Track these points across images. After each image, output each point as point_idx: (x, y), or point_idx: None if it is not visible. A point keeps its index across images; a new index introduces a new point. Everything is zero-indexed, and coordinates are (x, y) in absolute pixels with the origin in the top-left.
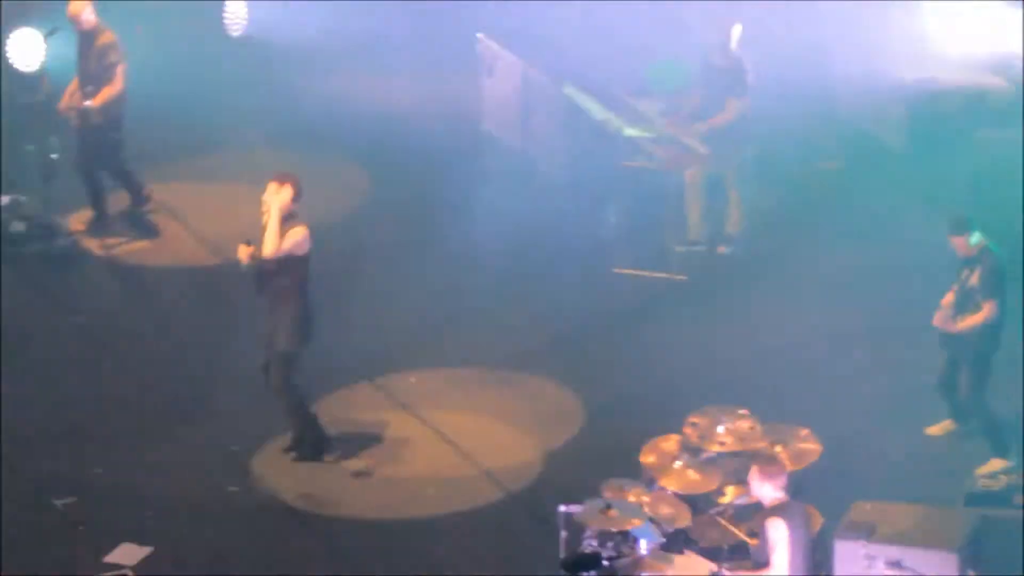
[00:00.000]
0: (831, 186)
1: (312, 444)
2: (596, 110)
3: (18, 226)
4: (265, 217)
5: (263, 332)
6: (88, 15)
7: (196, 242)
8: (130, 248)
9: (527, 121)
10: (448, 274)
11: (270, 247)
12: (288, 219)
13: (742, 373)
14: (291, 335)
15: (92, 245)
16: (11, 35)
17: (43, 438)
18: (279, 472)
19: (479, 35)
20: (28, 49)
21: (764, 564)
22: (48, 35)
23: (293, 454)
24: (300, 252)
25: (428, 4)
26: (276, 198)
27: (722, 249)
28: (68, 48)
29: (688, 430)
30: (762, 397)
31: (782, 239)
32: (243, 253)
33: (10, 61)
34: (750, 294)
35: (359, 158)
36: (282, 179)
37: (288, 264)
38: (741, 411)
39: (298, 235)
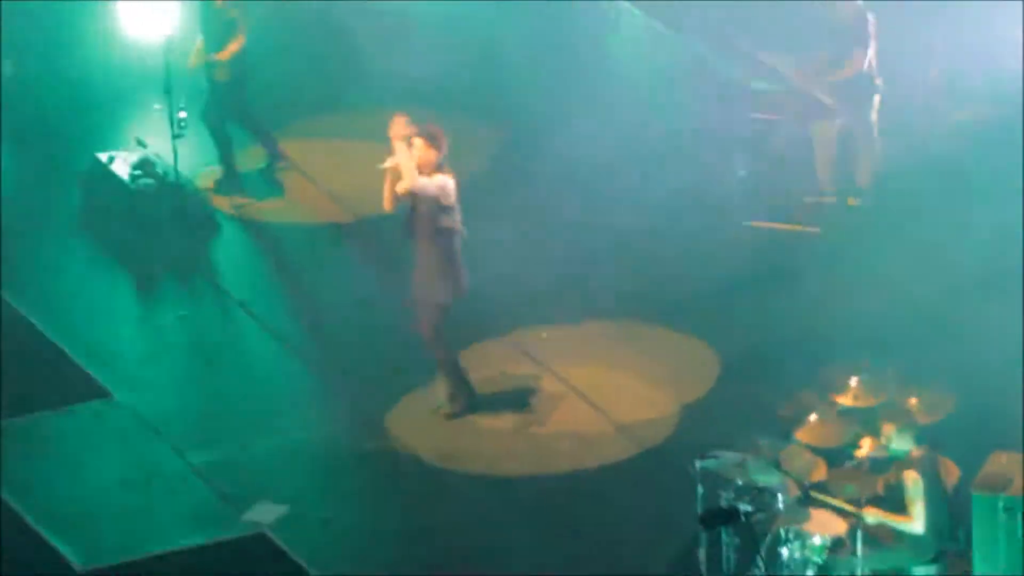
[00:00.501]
0: (968, 137)
1: (464, 398)
2: (722, 65)
3: (148, 184)
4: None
5: (413, 282)
6: None
7: (328, 199)
8: (261, 206)
9: (653, 77)
10: (578, 229)
11: (408, 183)
12: (436, 169)
13: (877, 325)
14: (445, 285)
15: (222, 203)
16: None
17: (178, 401)
18: (413, 429)
19: None
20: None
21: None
22: None
23: (446, 410)
24: (448, 201)
25: None
26: (423, 153)
27: (852, 200)
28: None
29: (823, 383)
30: (898, 350)
31: (914, 190)
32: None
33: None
34: (883, 245)
35: (488, 118)
36: (431, 140)
37: (438, 211)
38: (876, 363)
39: (444, 182)
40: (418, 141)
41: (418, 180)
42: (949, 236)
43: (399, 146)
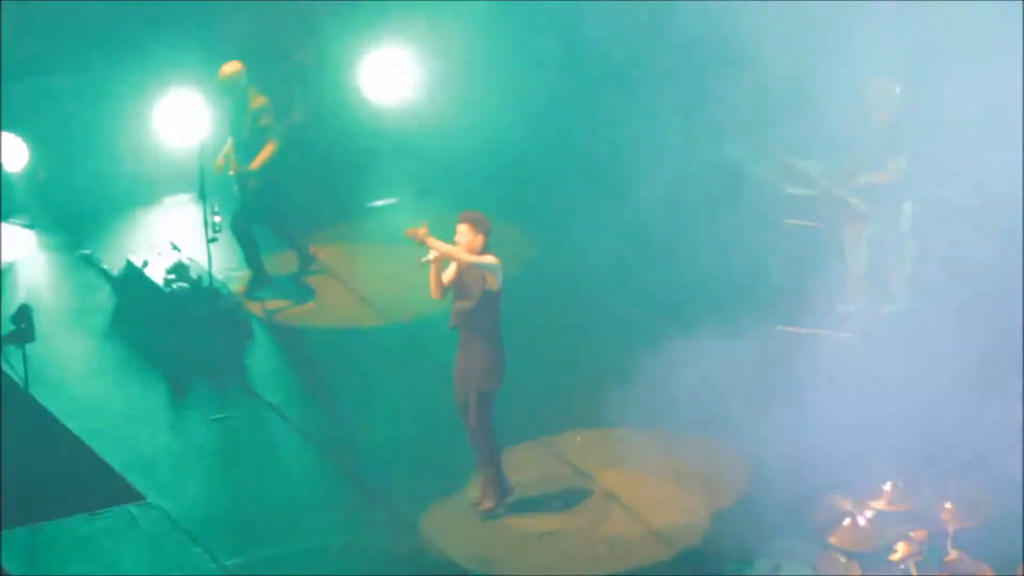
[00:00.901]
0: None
1: (498, 494)
2: (758, 169)
3: (182, 288)
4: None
5: (458, 372)
6: (237, 79)
7: (359, 303)
8: (293, 310)
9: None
10: (611, 334)
11: (464, 259)
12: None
13: (911, 430)
14: (490, 373)
15: (254, 307)
16: None
17: (215, 503)
18: (449, 533)
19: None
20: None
21: None
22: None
23: (481, 508)
24: (495, 286)
25: None
26: (470, 238)
27: (884, 309)
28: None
29: (857, 488)
30: (932, 456)
31: (945, 298)
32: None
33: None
34: (913, 353)
35: (512, 214)
36: (477, 223)
37: (485, 299)
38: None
39: (494, 261)
40: (462, 227)
41: (473, 256)
42: (983, 340)
43: (434, 241)
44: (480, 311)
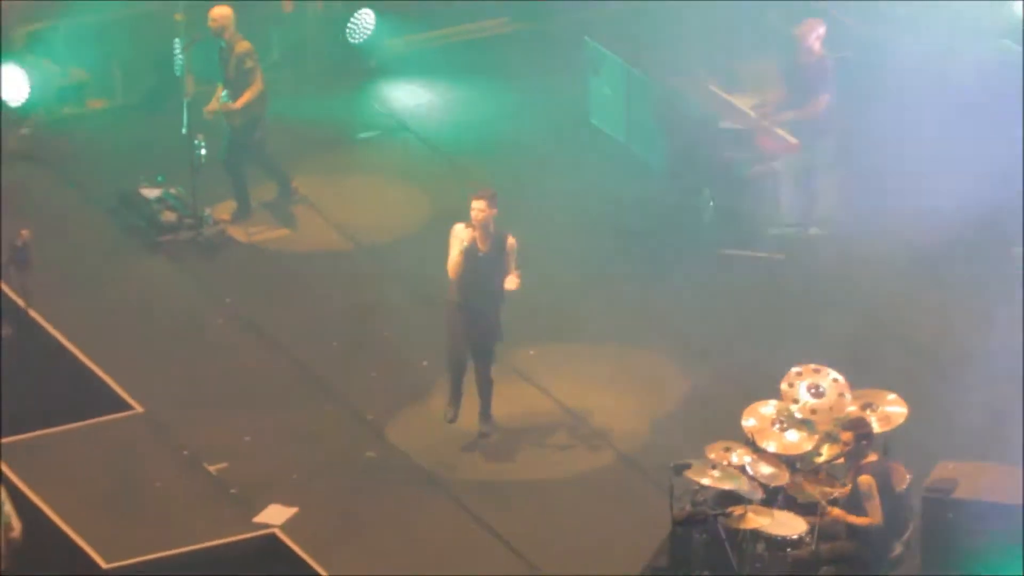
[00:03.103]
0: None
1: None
2: (693, 104)
3: (169, 216)
4: (471, 231)
5: (459, 333)
6: (225, 24)
7: (332, 229)
8: (272, 236)
9: (630, 115)
10: (563, 256)
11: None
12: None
13: (836, 341)
14: (499, 328)
15: (237, 233)
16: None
17: (196, 410)
18: (411, 439)
19: (585, 38)
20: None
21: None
22: (190, 44)
23: (483, 430)
24: (513, 253)
25: (540, 6)
26: (487, 213)
27: (814, 231)
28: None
29: (785, 395)
30: (855, 364)
31: (866, 220)
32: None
33: None
34: (841, 271)
35: (477, 152)
36: (491, 199)
37: (505, 263)
38: (833, 377)
39: (512, 239)
40: (480, 203)
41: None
42: (905, 255)
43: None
44: (498, 273)
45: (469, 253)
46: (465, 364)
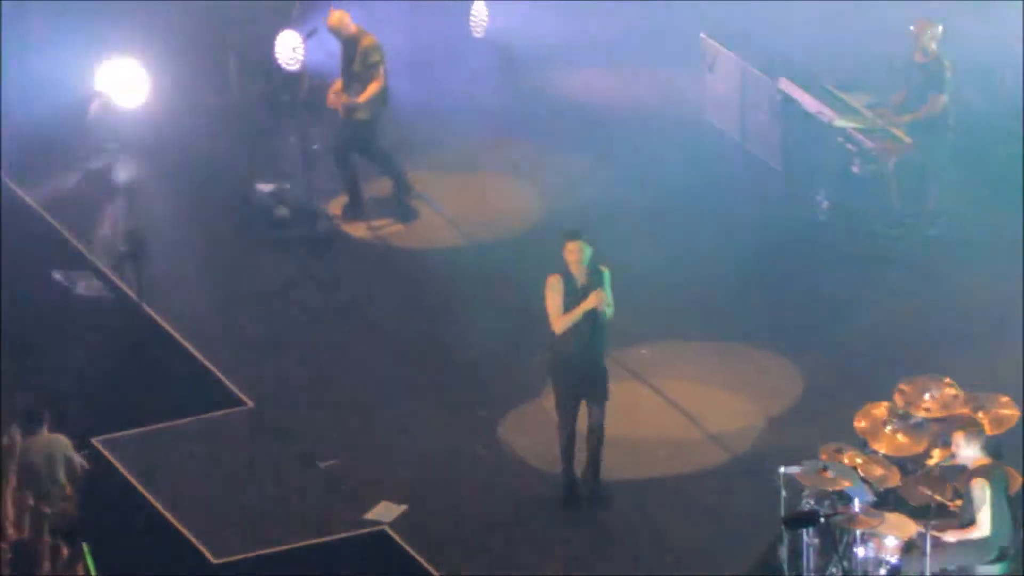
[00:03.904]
0: None
1: None
2: (808, 102)
3: (282, 211)
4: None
5: (575, 380)
6: (348, 23)
7: (447, 225)
8: (386, 231)
9: (745, 113)
10: (676, 256)
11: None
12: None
13: (949, 345)
14: (606, 385)
15: (349, 229)
16: (276, 37)
17: (307, 406)
18: (522, 437)
19: (701, 34)
20: (289, 50)
21: (969, 522)
22: (307, 37)
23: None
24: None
25: (656, 6)
26: (582, 254)
27: (929, 231)
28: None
29: (897, 397)
30: (969, 366)
31: (983, 221)
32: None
33: (277, 61)
34: (956, 272)
35: (592, 150)
36: (583, 238)
37: (602, 322)
38: (946, 379)
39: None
40: (572, 244)
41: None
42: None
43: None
44: (601, 325)
45: (569, 299)
46: (577, 416)
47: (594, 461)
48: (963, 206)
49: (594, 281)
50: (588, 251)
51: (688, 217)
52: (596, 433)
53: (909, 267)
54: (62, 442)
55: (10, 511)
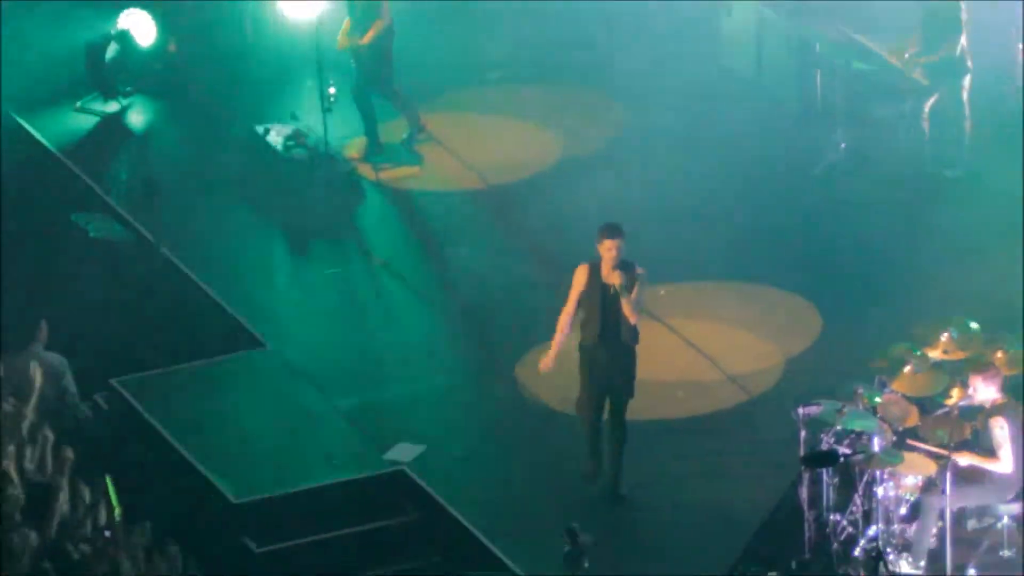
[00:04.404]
0: None
1: None
2: (826, 44)
3: (300, 154)
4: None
5: (601, 372)
6: None
7: (463, 168)
8: (401, 173)
9: (762, 55)
10: (696, 196)
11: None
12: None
13: (968, 287)
14: (633, 381)
15: (367, 171)
16: None
17: (325, 347)
18: (539, 378)
19: None
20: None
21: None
22: None
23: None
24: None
25: None
26: (616, 251)
27: (948, 172)
28: None
29: (916, 337)
30: (991, 308)
31: (1000, 162)
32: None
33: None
34: (975, 213)
35: (605, 89)
36: (613, 232)
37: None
38: (964, 320)
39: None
40: (610, 243)
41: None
42: None
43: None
44: (629, 329)
45: (603, 292)
46: (603, 409)
47: (615, 461)
48: (981, 148)
49: (628, 279)
50: (622, 247)
51: (701, 159)
52: (618, 432)
53: (928, 209)
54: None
55: (28, 450)
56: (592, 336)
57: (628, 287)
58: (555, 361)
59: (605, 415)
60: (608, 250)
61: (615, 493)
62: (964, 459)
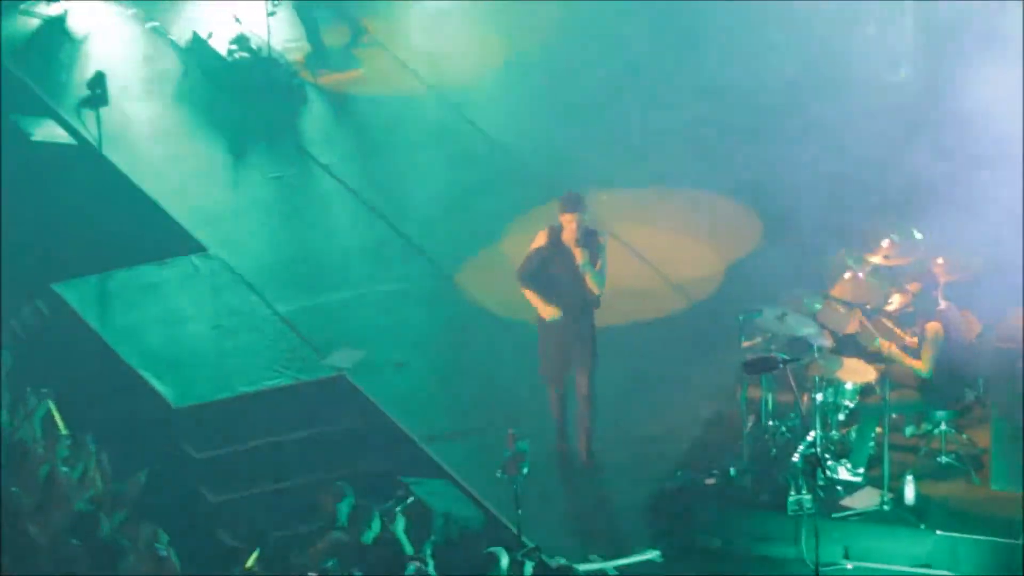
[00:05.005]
0: None
1: None
2: None
3: (243, 58)
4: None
5: (561, 353)
6: None
7: (404, 70)
8: (343, 77)
9: None
10: (636, 107)
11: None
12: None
13: (907, 194)
14: (596, 353)
15: (308, 76)
16: None
17: (266, 253)
18: (482, 284)
19: None
20: None
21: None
22: None
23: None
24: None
25: None
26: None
27: (902, 73)
28: None
29: (861, 244)
30: (927, 215)
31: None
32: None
33: None
34: (931, 116)
35: None
36: (574, 205)
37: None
38: (906, 226)
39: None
40: (569, 216)
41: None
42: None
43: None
44: (591, 299)
45: (565, 262)
46: (567, 380)
47: (586, 435)
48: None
49: (590, 256)
50: (585, 219)
51: (644, 73)
52: (584, 403)
53: (877, 118)
54: None
55: None
56: (554, 307)
57: (592, 262)
58: (549, 305)
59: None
60: (569, 222)
61: (587, 458)
62: (891, 354)
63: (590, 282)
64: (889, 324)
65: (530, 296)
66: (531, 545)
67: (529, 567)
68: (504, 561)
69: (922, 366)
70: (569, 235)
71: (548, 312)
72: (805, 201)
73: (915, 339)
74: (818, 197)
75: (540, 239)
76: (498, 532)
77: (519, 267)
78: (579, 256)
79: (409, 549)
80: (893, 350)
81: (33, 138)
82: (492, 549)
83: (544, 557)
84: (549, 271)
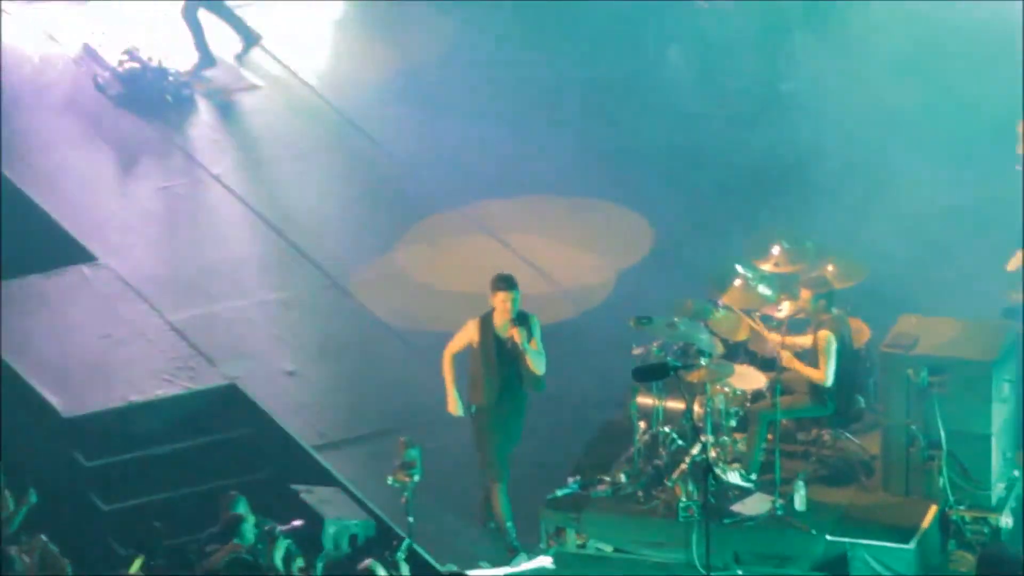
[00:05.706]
0: None
1: None
2: None
3: (133, 68)
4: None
5: (504, 431)
6: None
7: (295, 81)
8: (234, 86)
9: None
10: (527, 113)
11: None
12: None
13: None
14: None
15: (199, 86)
16: None
17: (166, 266)
18: (377, 293)
19: None
20: None
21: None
22: None
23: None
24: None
25: None
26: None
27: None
28: None
29: (747, 251)
30: (815, 223)
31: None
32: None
33: None
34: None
35: None
36: (509, 285)
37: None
38: (797, 233)
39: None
40: (503, 295)
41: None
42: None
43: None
44: (527, 372)
45: (499, 347)
46: (508, 471)
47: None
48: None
49: (526, 336)
50: (518, 299)
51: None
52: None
53: (768, 120)
54: None
55: None
56: (491, 396)
57: (528, 340)
58: (457, 401)
59: None
60: (503, 302)
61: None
62: (791, 365)
63: (531, 363)
64: (780, 332)
65: (446, 380)
66: (402, 543)
67: (405, 568)
68: (381, 573)
69: (820, 375)
70: (503, 315)
71: (451, 408)
72: (704, 204)
73: (806, 343)
74: (718, 197)
75: (470, 332)
76: (389, 540)
77: (447, 347)
78: (517, 336)
79: None
80: (794, 363)
81: None
82: (366, 563)
83: (434, 562)
84: (484, 359)
